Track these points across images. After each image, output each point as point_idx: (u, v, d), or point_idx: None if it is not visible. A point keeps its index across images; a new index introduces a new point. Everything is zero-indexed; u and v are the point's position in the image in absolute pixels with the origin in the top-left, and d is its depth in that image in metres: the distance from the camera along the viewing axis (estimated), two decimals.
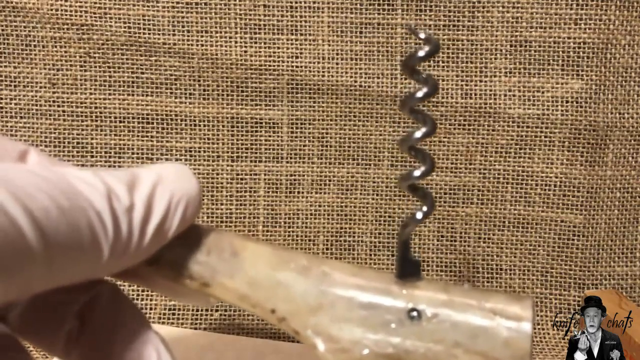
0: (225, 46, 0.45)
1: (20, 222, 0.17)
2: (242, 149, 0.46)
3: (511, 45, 0.44)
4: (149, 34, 0.44)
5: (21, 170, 0.19)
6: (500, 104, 0.45)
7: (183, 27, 0.44)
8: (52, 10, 0.44)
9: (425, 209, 0.23)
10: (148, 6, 0.44)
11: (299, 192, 0.47)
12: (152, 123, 0.46)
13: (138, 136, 0.46)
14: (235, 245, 0.24)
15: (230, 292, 0.23)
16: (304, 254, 0.25)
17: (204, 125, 0.46)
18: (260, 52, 0.45)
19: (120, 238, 0.20)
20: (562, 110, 0.45)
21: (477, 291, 0.23)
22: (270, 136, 0.46)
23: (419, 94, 0.22)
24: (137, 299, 0.46)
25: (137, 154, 0.46)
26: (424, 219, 0.23)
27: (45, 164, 0.23)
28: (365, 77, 0.45)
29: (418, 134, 0.22)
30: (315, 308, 0.23)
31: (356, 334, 0.22)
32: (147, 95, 0.45)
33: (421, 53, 0.21)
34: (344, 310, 0.23)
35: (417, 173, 0.23)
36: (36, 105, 0.46)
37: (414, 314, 0.22)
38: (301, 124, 0.46)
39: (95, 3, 0.44)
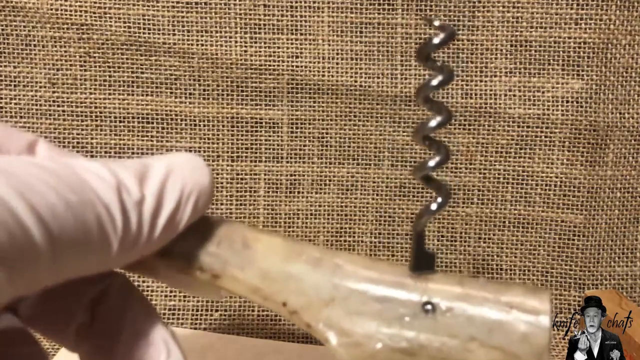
0: (225, 46, 0.45)
1: (25, 219, 0.17)
2: (242, 149, 0.46)
3: (511, 45, 0.44)
4: (149, 33, 0.44)
5: (26, 163, 0.18)
6: (500, 104, 0.45)
7: (183, 27, 0.44)
8: (52, 10, 0.44)
9: (440, 200, 0.22)
10: (148, 6, 0.44)
11: (299, 192, 0.47)
12: (152, 123, 0.46)
13: (138, 136, 0.46)
14: (246, 236, 0.23)
15: (241, 285, 0.23)
16: (316, 246, 0.24)
17: (204, 125, 0.46)
18: (260, 52, 0.45)
19: (130, 232, 0.20)
20: (562, 110, 0.45)
21: (493, 284, 0.22)
22: (270, 136, 0.46)
23: (434, 82, 0.21)
24: None
25: (137, 153, 0.46)
26: (439, 210, 0.22)
27: (53, 155, 0.22)
28: (365, 77, 0.45)
29: (433, 123, 0.21)
30: (328, 301, 0.22)
31: (370, 327, 0.22)
32: (147, 95, 0.45)
33: (436, 40, 0.21)
34: (357, 303, 0.22)
35: (431, 163, 0.22)
36: (36, 105, 0.46)
37: (429, 307, 0.22)
38: (301, 124, 0.46)
39: (95, 3, 0.44)
